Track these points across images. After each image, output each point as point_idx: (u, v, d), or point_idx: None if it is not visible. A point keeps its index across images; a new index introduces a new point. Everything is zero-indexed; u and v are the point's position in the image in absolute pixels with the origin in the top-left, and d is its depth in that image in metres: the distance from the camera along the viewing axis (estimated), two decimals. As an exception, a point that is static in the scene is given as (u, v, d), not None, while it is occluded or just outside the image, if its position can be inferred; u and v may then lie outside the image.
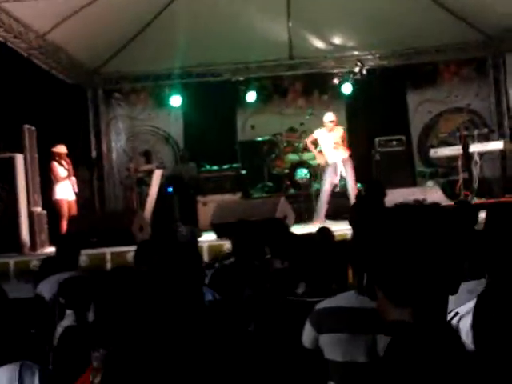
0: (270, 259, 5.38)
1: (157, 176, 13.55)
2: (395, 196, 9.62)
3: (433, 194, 10.09)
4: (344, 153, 12.82)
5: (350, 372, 3.36)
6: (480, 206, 6.07)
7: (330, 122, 12.90)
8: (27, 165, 11.07)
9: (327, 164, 12.97)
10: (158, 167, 13.95)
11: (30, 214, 11.02)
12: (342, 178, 12.97)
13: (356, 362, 3.34)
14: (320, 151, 13.12)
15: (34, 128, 11.55)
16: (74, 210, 13.28)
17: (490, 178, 15.63)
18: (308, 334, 3.57)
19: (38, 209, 11.42)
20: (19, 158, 10.85)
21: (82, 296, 4.14)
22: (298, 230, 9.91)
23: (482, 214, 5.88)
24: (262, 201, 12.55)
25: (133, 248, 8.75)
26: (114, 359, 2.67)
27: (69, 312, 4.18)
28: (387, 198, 9.76)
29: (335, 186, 13.04)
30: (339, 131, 13.01)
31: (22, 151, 11.09)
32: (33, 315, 4.14)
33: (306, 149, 14.89)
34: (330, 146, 12.87)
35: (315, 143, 13.29)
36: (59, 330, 4.00)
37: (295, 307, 3.80)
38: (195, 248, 6.85)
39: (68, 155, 13.47)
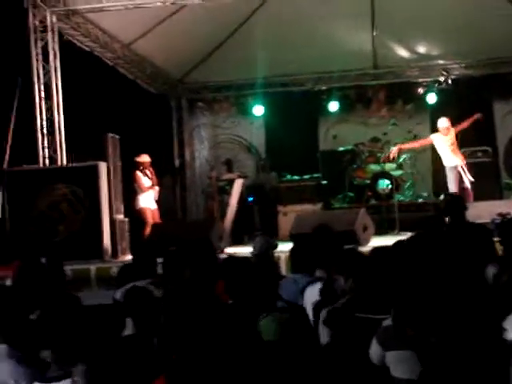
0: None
1: (238, 185, 13.57)
2: (478, 209, 9.43)
3: (518, 207, 9.80)
4: (461, 158, 12.71)
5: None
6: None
7: (444, 128, 12.80)
8: (110, 173, 11.23)
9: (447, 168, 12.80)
10: (239, 176, 13.96)
11: (112, 222, 11.18)
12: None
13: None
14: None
15: (117, 137, 11.71)
16: (158, 219, 13.44)
17: None
18: (375, 350, 3.50)
19: (120, 216, 11.58)
20: (103, 166, 11.02)
21: (142, 305, 4.15)
22: (377, 241, 9.82)
23: None
24: (342, 212, 12.47)
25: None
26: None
27: (128, 320, 4.19)
28: (470, 211, 9.57)
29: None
30: (452, 135, 12.85)
31: (105, 159, 11.25)
32: (106, 322, 4.16)
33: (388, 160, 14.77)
34: (448, 151, 12.71)
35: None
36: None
37: (363, 324, 3.73)
38: (268, 259, 6.83)
39: (151, 164, 13.65)
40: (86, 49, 12.46)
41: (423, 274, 4.25)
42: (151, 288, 4.67)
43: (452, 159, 12.59)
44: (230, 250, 10.95)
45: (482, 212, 9.29)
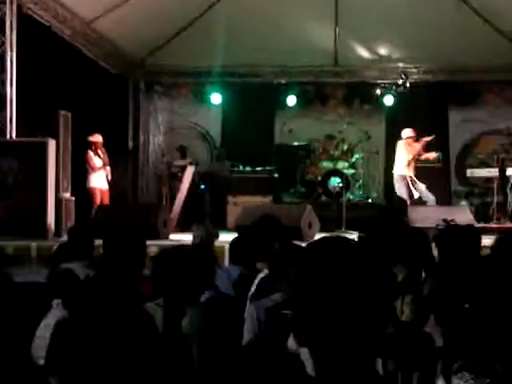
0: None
1: (189, 172, 13.55)
2: (424, 214, 9.53)
3: (461, 214, 9.91)
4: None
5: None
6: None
7: (408, 137, 13.10)
8: (59, 150, 11.10)
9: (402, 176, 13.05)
10: (191, 163, 13.95)
11: (58, 200, 11.06)
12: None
13: None
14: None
15: (69, 114, 11.59)
16: (107, 200, 13.42)
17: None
18: (290, 346, 3.51)
19: (67, 195, 11.47)
20: (51, 143, 10.87)
21: (65, 287, 4.12)
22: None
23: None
24: (289, 207, 12.50)
25: (155, 242, 8.85)
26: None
27: (57, 301, 4.16)
28: (416, 213, 9.69)
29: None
30: (417, 146, 13.04)
31: (55, 136, 11.12)
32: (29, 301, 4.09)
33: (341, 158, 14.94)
34: (404, 159, 13.03)
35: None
36: (47, 322, 3.95)
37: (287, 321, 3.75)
38: (208, 248, 6.82)
39: (104, 145, 13.61)
40: (45, 23, 12.25)
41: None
42: (79, 270, 4.61)
43: (404, 169, 12.79)
44: (175, 236, 10.92)
45: (427, 217, 9.38)
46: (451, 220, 8.90)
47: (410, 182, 12.81)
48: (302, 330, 2.85)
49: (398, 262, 5.19)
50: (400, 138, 13.57)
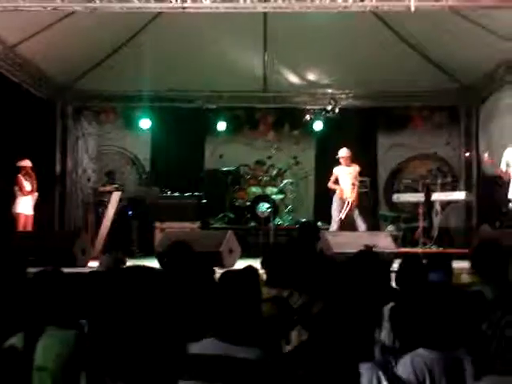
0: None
1: (114, 198, 13.36)
2: (346, 239, 9.52)
3: (382, 239, 9.93)
4: (354, 195, 12.77)
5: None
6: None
7: (342, 158, 12.95)
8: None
9: (338, 198, 12.92)
10: (117, 189, 13.75)
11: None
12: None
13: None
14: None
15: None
16: (30, 226, 13.18)
17: (453, 227, 15.55)
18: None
19: (-16, 221, 11.23)
20: (-33, 169, 10.64)
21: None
22: (242, 264, 9.75)
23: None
24: (211, 233, 12.45)
25: (70, 270, 8.67)
26: None
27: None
28: (335, 239, 9.67)
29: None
30: (355, 169, 12.95)
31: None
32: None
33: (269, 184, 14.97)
34: (347, 183, 12.89)
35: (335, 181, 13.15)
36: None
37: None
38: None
39: (32, 170, 13.45)
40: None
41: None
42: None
43: (345, 193, 12.71)
44: (93, 263, 10.71)
45: (348, 242, 9.35)
46: (373, 245, 8.89)
47: (342, 207, 12.69)
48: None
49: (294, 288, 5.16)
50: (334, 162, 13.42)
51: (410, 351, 3.58)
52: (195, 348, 3.46)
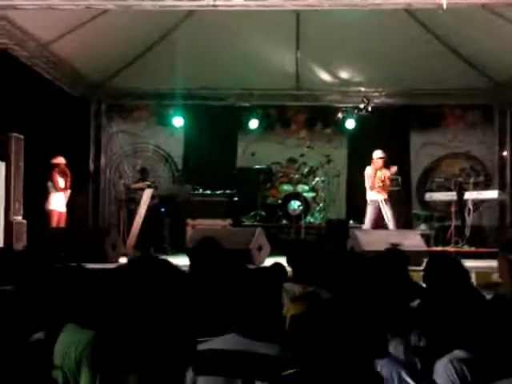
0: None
1: (147, 195, 13.44)
2: (371, 237, 9.50)
3: (411, 238, 9.89)
4: (384, 194, 12.71)
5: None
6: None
7: (379, 158, 12.85)
8: (10, 173, 11.01)
9: (369, 201, 12.82)
10: (149, 186, 13.86)
11: (9, 223, 10.96)
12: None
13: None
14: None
15: (22, 136, 11.51)
16: (64, 222, 13.36)
17: (487, 226, 15.44)
18: (188, 374, 3.45)
19: (18, 218, 11.38)
20: (1, 166, 10.80)
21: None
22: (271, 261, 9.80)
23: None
24: (240, 230, 12.48)
25: (102, 266, 8.79)
26: None
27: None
28: (365, 237, 9.66)
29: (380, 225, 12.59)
30: (387, 171, 12.91)
31: (6, 159, 11.04)
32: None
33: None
34: (376, 184, 12.78)
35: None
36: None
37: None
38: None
39: (67, 166, 13.65)
40: (1, 45, 12.17)
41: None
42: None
43: (375, 194, 12.64)
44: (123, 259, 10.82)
45: (375, 240, 9.33)
46: (398, 244, 8.85)
47: (381, 206, 12.56)
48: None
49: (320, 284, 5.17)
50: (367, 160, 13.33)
51: (437, 351, 3.55)
52: (216, 343, 3.48)
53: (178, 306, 3.39)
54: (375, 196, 12.66)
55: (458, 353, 3.41)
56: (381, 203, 12.52)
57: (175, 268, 3.48)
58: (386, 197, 12.66)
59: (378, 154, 12.94)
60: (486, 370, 3.25)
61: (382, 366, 3.15)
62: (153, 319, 3.28)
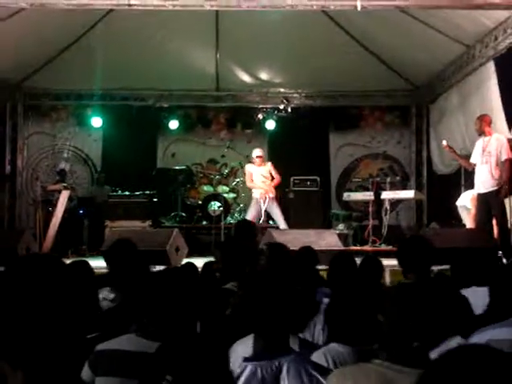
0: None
1: (64, 196, 13.24)
2: (288, 237, 9.52)
3: (327, 237, 9.97)
4: (270, 190, 12.86)
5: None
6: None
7: (257, 157, 13.09)
8: None
9: (252, 198, 13.19)
10: (66, 188, 13.65)
11: None
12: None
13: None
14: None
15: None
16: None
17: (404, 226, 15.69)
18: (86, 374, 3.39)
19: None
20: None
21: None
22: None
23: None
24: (158, 231, 12.41)
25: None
26: None
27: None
28: (281, 237, 9.68)
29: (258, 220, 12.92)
30: (267, 166, 13.11)
31: None
32: None
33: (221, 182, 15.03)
34: (258, 181, 13.05)
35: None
36: None
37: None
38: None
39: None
40: None
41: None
42: None
43: (257, 191, 12.95)
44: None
45: (292, 240, 9.34)
46: (314, 242, 8.91)
47: (261, 205, 12.85)
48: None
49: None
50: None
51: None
52: (114, 344, 3.44)
53: (65, 304, 3.32)
54: (256, 194, 13.04)
55: (334, 345, 3.51)
56: (261, 201, 12.71)
57: (64, 265, 3.39)
58: (270, 195, 12.91)
59: (256, 152, 13.28)
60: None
61: (289, 363, 3.14)
62: (40, 316, 3.20)
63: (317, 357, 3.46)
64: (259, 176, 13.07)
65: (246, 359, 3.17)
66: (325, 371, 3.15)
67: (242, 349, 3.42)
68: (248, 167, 13.37)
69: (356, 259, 6.13)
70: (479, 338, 3.09)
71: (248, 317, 3.32)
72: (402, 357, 2.61)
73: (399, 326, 2.67)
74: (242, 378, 3.09)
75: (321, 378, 3.06)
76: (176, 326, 3.55)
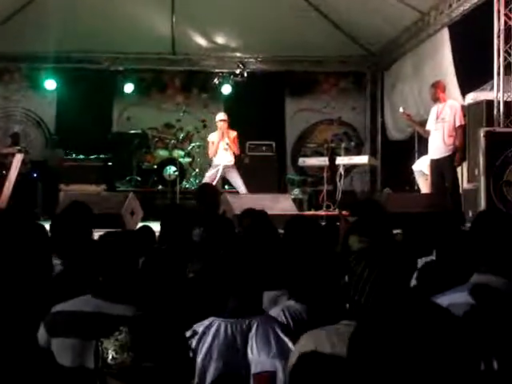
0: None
1: (17, 160, 13.08)
2: (243, 201, 9.59)
3: (282, 202, 10.05)
4: (229, 158, 12.76)
5: (78, 378, 3.24)
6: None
7: (221, 120, 12.88)
8: None
9: (211, 164, 13.00)
10: (19, 151, 13.49)
11: None
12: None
13: (84, 366, 3.23)
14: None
15: None
16: None
17: (358, 191, 15.86)
18: (41, 335, 3.42)
19: None
20: None
21: None
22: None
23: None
24: (112, 195, 12.34)
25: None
26: None
27: None
28: (237, 201, 9.75)
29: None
30: (232, 134, 12.90)
31: None
32: None
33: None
34: (221, 148, 12.79)
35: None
36: None
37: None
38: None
39: None
40: None
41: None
42: None
43: (218, 158, 12.77)
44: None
45: (247, 204, 9.39)
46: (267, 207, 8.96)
47: (218, 173, 12.69)
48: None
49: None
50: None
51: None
52: (70, 305, 3.45)
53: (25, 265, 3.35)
54: (217, 161, 12.80)
55: (291, 302, 3.60)
56: (220, 168, 12.66)
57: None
58: (231, 162, 12.83)
59: (220, 116, 13.12)
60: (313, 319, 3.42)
61: (259, 323, 3.21)
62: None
63: (275, 312, 3.53)
64: (222, 144, 12.80)
65: (217, 316, 3.23)
66: (289, 332, 3.24)
67: None
68: (211, 137, 13.09)
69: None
70: (441, 300, 3.17)
71: (224, 277, 3.37)
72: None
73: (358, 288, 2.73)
74: (211, 333, 3.15)
75: (286, 339, 3.14)
76: (132, 288, 3.59)
